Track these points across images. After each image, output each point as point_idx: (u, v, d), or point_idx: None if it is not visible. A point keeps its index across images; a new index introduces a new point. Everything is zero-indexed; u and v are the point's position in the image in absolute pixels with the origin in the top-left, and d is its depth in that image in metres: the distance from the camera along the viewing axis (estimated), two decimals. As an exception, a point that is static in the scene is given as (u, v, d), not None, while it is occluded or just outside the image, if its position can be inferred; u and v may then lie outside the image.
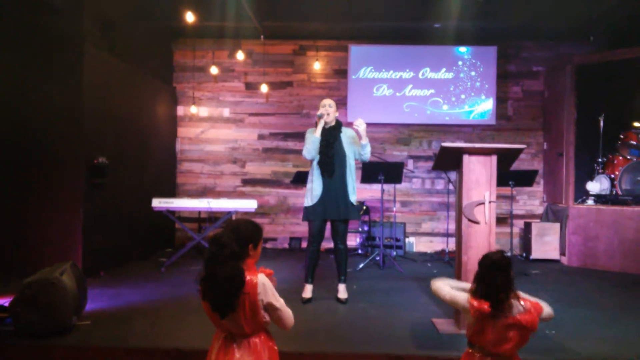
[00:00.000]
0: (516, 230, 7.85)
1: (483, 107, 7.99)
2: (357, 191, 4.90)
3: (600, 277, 6.13)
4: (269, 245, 8.11)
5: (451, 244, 7.01)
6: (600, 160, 6.96)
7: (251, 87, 8.24)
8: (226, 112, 8.26)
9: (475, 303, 2.38)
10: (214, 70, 7.93)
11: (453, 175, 6.63)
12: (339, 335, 3.81)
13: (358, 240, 7.68)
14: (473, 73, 7.98)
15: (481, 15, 6.71)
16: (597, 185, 6.89)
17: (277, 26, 7.66)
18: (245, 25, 7.36)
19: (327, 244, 5.66)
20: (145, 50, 7.25)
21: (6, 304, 3.66)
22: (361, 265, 6.43)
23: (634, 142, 6.85)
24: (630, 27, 7.04)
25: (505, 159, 3.98)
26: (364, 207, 7.33)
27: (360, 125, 4.56)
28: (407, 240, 7.86)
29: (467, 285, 2.64)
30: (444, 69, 8.02)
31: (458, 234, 3.96)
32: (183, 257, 6.40)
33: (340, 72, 8.20)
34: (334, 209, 4.59)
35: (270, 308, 2.24)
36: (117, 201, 6.09)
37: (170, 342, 3.52)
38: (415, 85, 8.04)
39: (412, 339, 3.71)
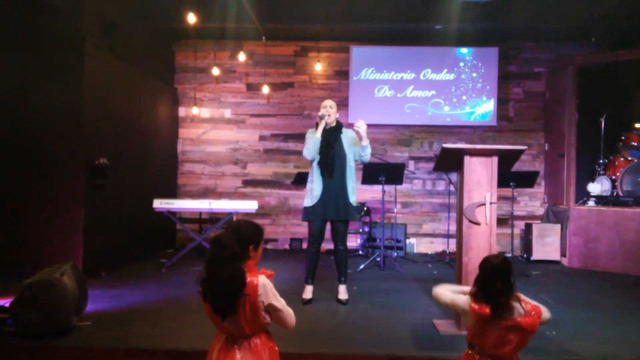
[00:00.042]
0: (517, 231, 7.84)
1: (484, 108, 7.98)
2: (358, 192, 4.92)
3: (601, 279, 6.11)
4: (269, 246, 8.11)
5: (452, 245, 7.01)
6: (601, 161, 6.95)
7: (252, 88, 8.24)
8: (227, 113, 8.26)
9: (475, 306, 2.37)
10: (215, 71, 7.94)
11: (454, 176, 6.62)
12: (339, 336, 3.81)
13: (359, 241, 7.68)
14: (474, 74, 7.98)
15: (482, 16, 6.71)
16: (598, 187, 6.88)
17: (279, 27, 7.66)
18: (247, 27, 7.37)
19: (328, 245, 5.65)
20: (146, 50, 7.25)
21: (6, 305, 3.66)
22: (362, 266, 6.42)
23: (635, 144, 6.85)
24: (631, 27, 7.04)
25: (507, 160, 3.98)
26: (365, 208, 7.32)
27: (361, 126, 4.56)
28: (407, 241, 7.85)
29: (468, 288, 2.64)
30: (445, 70, 8.02)
31: (459, 235, 3.95)
32: (184, 258, 6.39)
33: (342, 73, 8.20)
34: (334, 210, 4.59)
35: (271, 309, 2.24)
36: (117, 202, 6.09)
37: (171, 343, 3.51)
38: (417, 86, 8.04)
39: (413, 340, 3.70)
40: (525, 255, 7.45)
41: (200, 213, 7.54)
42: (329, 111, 4.64)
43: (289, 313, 2.29)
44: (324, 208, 4.59)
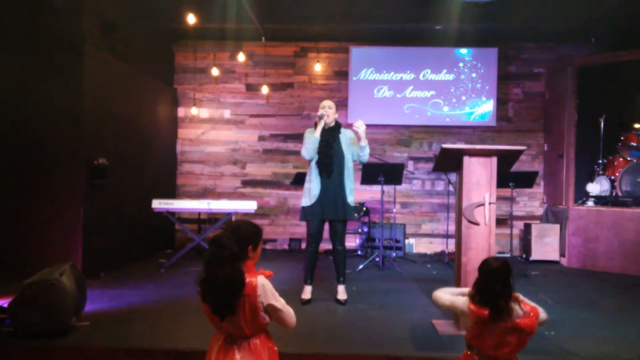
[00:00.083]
0: (516, 231, 7.85)
1: (484, 109, 7.99)
2: (357, 192, 4.92)
3: (600, 279, 6.12)
4: (268, 246, 8.11)
5: (451, 246, 7.01)
6: (600, 161, 6.96)
7: (252, 88, 8.24)
8: (227, 113, 8.26)
9: (474, 308, 2.38)
10: (215, 71, 7.94)
11: (453, 176, 6.62)
12: (338, 336, 3.81)
13: (358, 241, 7.68)
14: (474, 74, 7.99)
15: (482, 16, 6.71)
16: (597, 187, 6.89)
17: (278, 28, 7.67)
18: (247, 27, 7.37)
19: (326, 245, 5.66)
20: (146, 51, 7.25)
21: (6, 305, 3.65)
22: (361, 267, 6.42)
23: (634, 144, 6.86)
24: (631, 28, 7.04)
25: (506, 160, 3.98)
26: (364, 208, 7.32)
27: (360, 126, 4.57)
28: (407, 241, 7.85)
29: (467, 290, 2.64)
30: (445, 71, 8.02)
31: (458, 236, 3.95)
32: (183, 258, 6.40)
33: (341, 74, 8.20)
34: (332, 209, 4.60)
35: (271, 309, 2.24)
36: (117, 202, 6.09)
37: (170, 343, 3.51)
38: (416, 86, 8.05)
39: (412, 340, 3.71)
40: (524, 256, 7.45)
41: (199, 213, 7.54)
42: (327, 112, 4.65)
43: (289, 312, 2.29)
44: (322, 208, 4.60)
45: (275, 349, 2.34)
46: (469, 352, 2.47)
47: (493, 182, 3.82)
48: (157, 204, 6.07)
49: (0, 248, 5.24)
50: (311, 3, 6.61)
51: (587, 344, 3.66)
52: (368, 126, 4.74)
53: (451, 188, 7.30)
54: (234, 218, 6.27)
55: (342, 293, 4.76)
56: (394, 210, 7.55)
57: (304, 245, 7.20)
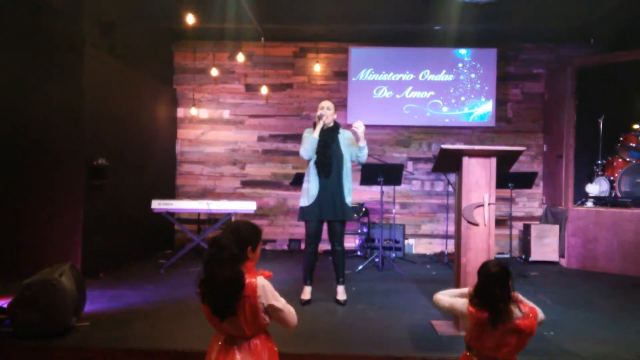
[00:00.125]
0: (515, 232, 7.85)
1: (483, 109, 7.99)
2: (357, 193, 4.92)
3: (599, 279, 6.13)
4: (268, 246, 8.11)
5: (450, 246, 7.02)
6: (599, 162, 6.97)
7: (251, 89, 8.24)
8: (226, 113, 8.26)
9: (473, 311, 2.38)
10: (214, 72, 7.95)
11: (452, 177, 6.63)
12: (338, 336, 3.82)
13: (357, 241, 7.68)
14: (473, 75, 7.99)
15: (481, 17, 6.72)
16: (596, 188, 6.90)
17: (278, 28, 7.67)
18: (246, 27, 7.38)
19: (326, 245, 5.66)
20: (146, 51, 7.25)
21: (5, 305, 3.65)
22: (360, 267, 6.43)
23: (634, 145, 6.86)
24: (630, 29, 7.05)
25: (505, 161, 3.98)
26: (364, 209, 7.33)
27: (359, 127, 4.57)
28: (406, 242, 7.86)
29: (466, 290, 2.65)
30: (444, 71, 8.03)
31: (457, 236, 3.96)
32: (182, 259, 6.40)
33: (341, 74, 8.21)
34: (330, 210, 4.60)
35: (272, 310, 2.24)
36: (116, 202, 6.09)
37: (170, 344, 3.51)
38: (415, 87, 8.05)
39: (411, 341, 3.71)
40: (523, 256, 7.46)
41: (199, 214, 7.54)
42: (326, 112, 4.66)
43: (290, 312, 2.29)
44: (320, 208, 4.60)
45: (275, 349, 2.35)
46: (468, 353, 2.48)
47: (492, 183, 3.83)
48: (157, 205, 6.08)
49: (0, 248, 5.24)
50: (311, 3, 6.61)
51: (586, 344, 3.67)
52: (367, 127, 4.74)
53: (450, 189, 7.31)
54: (233, 218, 6.27)
55: (341, 293, 4.76)
56: (394, 210, 7.55)
57: (303, 246, 7.19)
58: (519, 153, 3.94)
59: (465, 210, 3.81)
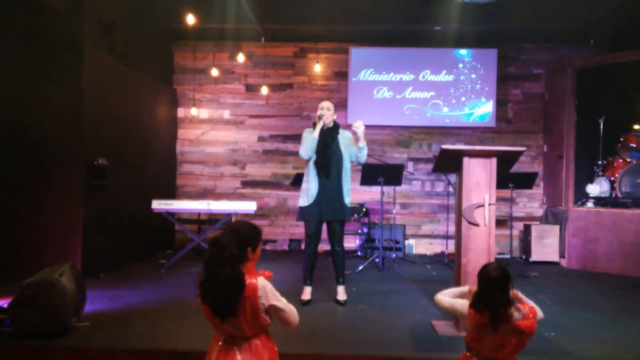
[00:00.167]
0: (516, 232, 7.85)
1: (483, 110, 7.99)
2: (357, 193, 4.92)
3: (599, 280, 6.12)
4: (268, 247, 8.11)
5: (451, 246, 7.01)
6: (600, 162, 6.97)
7: (251, 89, 8.24)
8: (226, 114, 8.26)
9: (474, 313, 2.38)
10: (214, 72, 7.95)
11: (453, 177, 6.63)
12: (338, 336, 3.81)
13: (357, 242, 7.68)
14: (473, 75, 7.99)
15: (481, 17, 6.72)
16: (596, 188, 6.89)
17: (278, 28, 7.67)
18: (246, 28, 7.38)
19: (326, 246, 5.65)
20: (146, 51, 7.25)
21: (5, 305, 3.65)
22: (360, 267, 6.43)
23: (634, 145, 6.86)
24: (630, 29, 7.05)
25: (505, 161, 3.98)
26: (364, 209, 7.32)
27: (360, 127, 4.58)
28: (406, 242, 7.85)
29: (466, 288, 2.65)
30: (445, 72, 8.02)
31: (458, 236, 3.95)
32: (182, 259, 6.40)
33: (341, 75, 8.20)
34: (330, 210, 4.60)
35: (273, 310, 2.24)
36: (117, 202, 6.09)
37: (170, 344, 3.51)
38: (416, 87, 8.05)
39: (412, 341, 3.71)
40: (524, 257, 7.45)
41: (199, 214, 7.54)
42: (325, 112, 4.66)
43: (291, 311, 2.29)
44: (319, 208, 4.60)
45: (276, 349, 2.34)
46: (468, 354, 2.48)
47: (493, 183, 3.82)
48: (157, 205, 6.08)
49: (0, 248, 5.24)
50: (311, 3, 6.61)
51: (586, 344, 3.67)
52: (367, 127, 4.75)
53: (451, 189, 7.31)
54: (234, 219, 6.27)
55: (341, 294, 4.76)
56: (394, 211, 7.55)
57: (303, 246, 7.20)
58: (520, 153, 3.94)
59: (466, 211, 3.81)
